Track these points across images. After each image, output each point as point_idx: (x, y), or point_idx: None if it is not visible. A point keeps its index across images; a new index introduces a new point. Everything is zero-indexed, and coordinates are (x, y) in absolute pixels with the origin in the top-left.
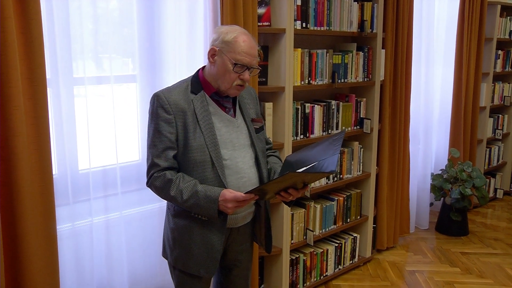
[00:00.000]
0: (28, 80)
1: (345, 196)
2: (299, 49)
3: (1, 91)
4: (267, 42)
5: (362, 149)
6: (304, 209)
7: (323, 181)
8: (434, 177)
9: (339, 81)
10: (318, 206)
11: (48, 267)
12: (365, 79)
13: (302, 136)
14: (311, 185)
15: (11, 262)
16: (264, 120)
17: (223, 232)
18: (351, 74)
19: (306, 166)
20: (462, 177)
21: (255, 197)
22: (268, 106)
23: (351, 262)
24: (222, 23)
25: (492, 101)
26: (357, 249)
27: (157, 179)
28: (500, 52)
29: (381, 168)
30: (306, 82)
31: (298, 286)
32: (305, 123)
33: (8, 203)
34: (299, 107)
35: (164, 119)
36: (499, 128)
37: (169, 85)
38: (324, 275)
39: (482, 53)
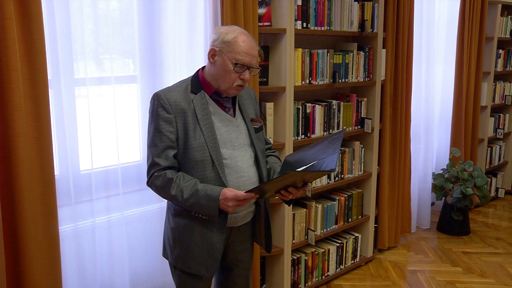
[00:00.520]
0: (29, 81)
1: (346, 196)
2: (300, 49)
3: (2, 93)
4: (268, 42)
5: (363, 149)
6: (305, 209)
7: (324, 181)
8: (435, 176)
9: (340, 81)
10: (320, 206)
11: (50, 267)
12: (366, 79)
13: (303, 136)
14: (312, 185)
15: (13, 263)
16: (265, 120)
17: (223, 231)
18: (352, 74)
19: (306, 165)
20: (463, 177)
21: (255, 196)
22: (269, 106)
23: (352, 262)
24: (222, 24)
25: (493, 100)
26: (359, 249)
27: (157, 178)
28: (501, 51)
29: (382, 167)
30: (307, 82)
31: (300, 286)
32: (306, 123)
33: (10, 204)
34: (300, 107)
35: (164, 118)
36: (501, 127)
37: (169, 85)
38: (325, 275)
39: (483, 52)
